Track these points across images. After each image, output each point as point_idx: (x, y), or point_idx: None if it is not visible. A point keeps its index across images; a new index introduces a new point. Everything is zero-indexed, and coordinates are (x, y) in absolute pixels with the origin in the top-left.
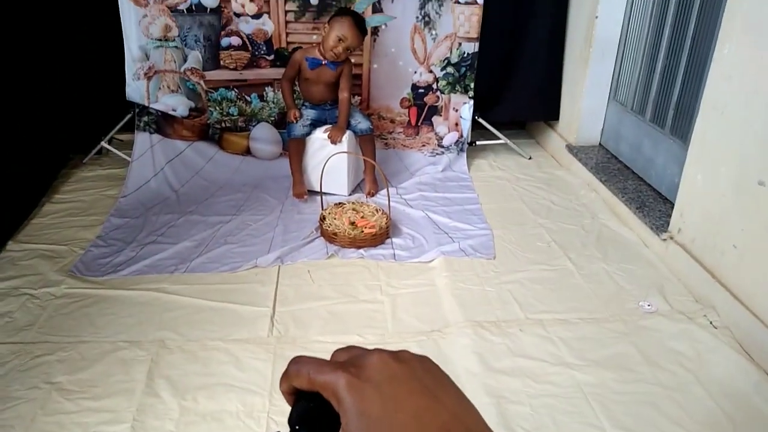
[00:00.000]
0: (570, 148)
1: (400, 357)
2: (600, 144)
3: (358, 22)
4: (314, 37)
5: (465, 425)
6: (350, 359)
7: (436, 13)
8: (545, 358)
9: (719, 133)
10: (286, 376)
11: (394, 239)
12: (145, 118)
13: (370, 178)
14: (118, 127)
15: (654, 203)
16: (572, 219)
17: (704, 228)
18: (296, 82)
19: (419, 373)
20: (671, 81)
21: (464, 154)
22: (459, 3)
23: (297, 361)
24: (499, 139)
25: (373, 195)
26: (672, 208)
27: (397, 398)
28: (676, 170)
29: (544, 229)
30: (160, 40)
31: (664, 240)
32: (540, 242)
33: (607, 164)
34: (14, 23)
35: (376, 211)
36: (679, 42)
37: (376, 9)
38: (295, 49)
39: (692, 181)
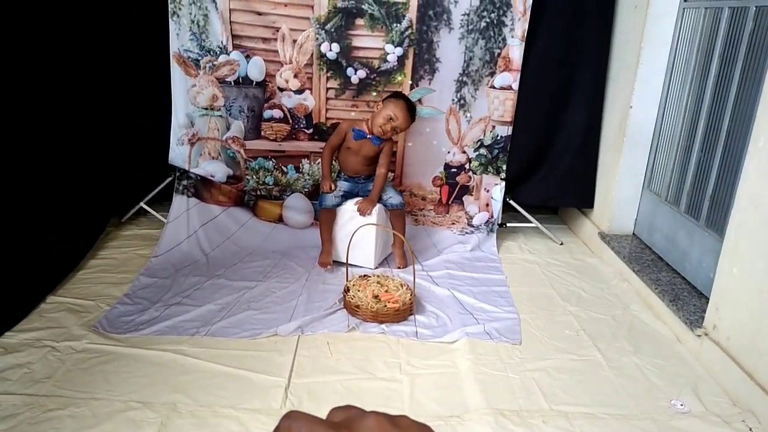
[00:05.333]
0: (602, 236)
1: (398, 423)
2: (633, 233)
3: (411, 107)
4: (353, 113)
5: None
6: (345, 420)
7: (472, 96)
8: None
9: (755, 226)
10: (278, 431)
11: (417, 316)
12: (185, 182)
13: (400, 252)
14: (157, 189)
15: (688, 297)
16: (603, 308)
17: (741, 326)
18: (336, 153)
19: None
20: (706, 172)
21: (494, 235)
22: (494, 88)
23: (289, 417)
24: (530, 222)
25: (403, 268)
26: (707, 302)
27: None
28: (712, 263)
29: (574, 317)
30: (206, 108)
31: (699, 336)
32: (568, 330)
33: (641, 254)
34: (70, 93)
35: (401, 286)
36: (715, 133)
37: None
38: (334, 125)
39: (728, 275)
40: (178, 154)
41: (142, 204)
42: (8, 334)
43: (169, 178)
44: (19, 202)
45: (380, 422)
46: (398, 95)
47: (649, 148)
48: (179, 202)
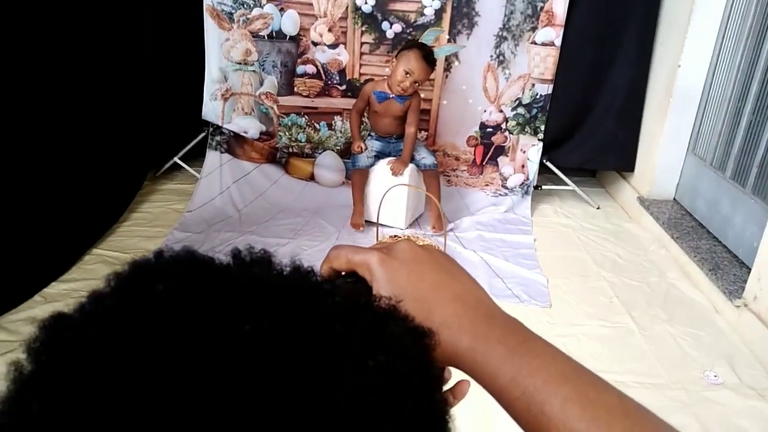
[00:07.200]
0: (642, 201)
1: (425, 246)
2: (674, 199)
3: (426, 55)
4: (387, 69)
5: (475, 296)
6: (383, 246)
7: (512, 52)
8: None
9: None
10: (327, 260)
11: None
12: (218, 138)
13: (435, 214)
14: (191, 144)
15: (729, 266)
16: (639, 275)
17: None
18: (366, 114)
19: (439, 258)
20: (757, 137)
21: (528, 198)
22: (535, 44)
23: (336, 248)
24: (566, 185)
25: (439, 231)
26: (749, 273)
27: (419, 272)
28: (756, 232)
29: (608, 283)
30: (240, 63)
31: (738, 307)
32: (602, 297)
33: (681, 220)
34: (106, 50)
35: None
36: None
37: (449, 41)
38: (366, 81)
39: None
40: (211, 109)
41: (176, 159)
42: (52, 284)
43: (203, 134)
44: (63, 161)
45: (410, 244)
46: (410, 45)
47: (696, 109)
48: (212, 157)
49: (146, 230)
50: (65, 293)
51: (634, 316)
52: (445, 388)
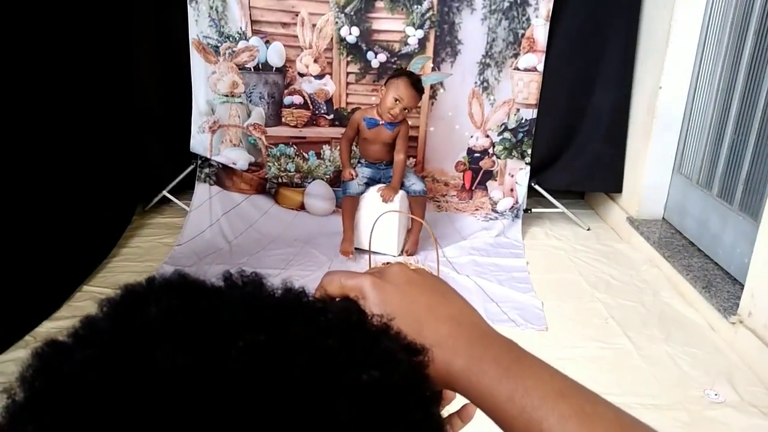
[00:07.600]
0: (631, 221)
1: (417, 270)
2: (663, 218)
3: (414, 82)
4: (373, 98)
5: (469, 317)
6: (375, 270)
7: (495, 79)
8: None
9: None
10: (320, 286)
11: None
12: (206, 170)
13: (414, 238)
14: (180, 177)
15: (722, 283)
16: (632, 295)
17: None
18: (355, 141)
19: (431, 280)
20: (741, 154)
21: (519, 221)
22: (518, 69)
23: (329, 273)
24: (556, 207)
25: (411, 255)
26: (741, 289)
27: (412, 294)
28: (746, 249)
29: (602, 304)
30: (227, 95)
31: (733, 323)
32: (597, 318)
33: (671, 239)
34: (93, 84)
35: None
36: (749, 113)
37: (434, 69)
38: (354, 110)
39: (764, 260)
40: (199, 141)
41: (165, 192)
42: (42, 323)
43: (191, 167)
44: (52, 197)
45: (402, 267)
46: (398, 74)
47: (680, 129)
48: (202, 190)
49: (136, 265)
50: (54, 332)
51: (631, 337)
52: (452, 410)
